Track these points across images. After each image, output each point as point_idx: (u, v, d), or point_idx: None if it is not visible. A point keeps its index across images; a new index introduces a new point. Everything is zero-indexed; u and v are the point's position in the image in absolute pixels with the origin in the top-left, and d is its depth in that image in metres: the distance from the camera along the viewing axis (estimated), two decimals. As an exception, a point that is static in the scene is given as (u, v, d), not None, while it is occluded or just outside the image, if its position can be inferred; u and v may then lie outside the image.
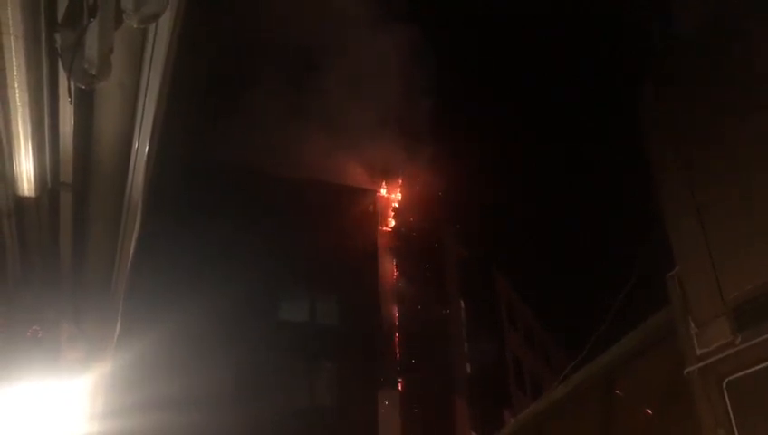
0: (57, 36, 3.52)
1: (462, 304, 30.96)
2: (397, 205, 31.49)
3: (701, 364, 5.39)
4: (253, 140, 27.16)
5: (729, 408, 5.07)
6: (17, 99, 3.79)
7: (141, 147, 4.34)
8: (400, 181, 32.34)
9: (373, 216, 29.40)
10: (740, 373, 5.04)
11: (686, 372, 5.55)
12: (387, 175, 32.01)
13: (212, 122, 26.97)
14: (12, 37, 3.42)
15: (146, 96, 4.00)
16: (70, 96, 3.77)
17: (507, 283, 35.41)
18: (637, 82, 6.74)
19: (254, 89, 30.46)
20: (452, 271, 30.84)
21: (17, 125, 3.98)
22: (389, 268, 29.28)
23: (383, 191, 31.58)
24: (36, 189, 4.61)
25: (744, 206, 5.29)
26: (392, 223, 30.88)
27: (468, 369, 29.76)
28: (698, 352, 5.45)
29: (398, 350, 27.64)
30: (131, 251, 5.37)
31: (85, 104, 4.09)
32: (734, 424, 5.01)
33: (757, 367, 4.88)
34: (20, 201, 4.78)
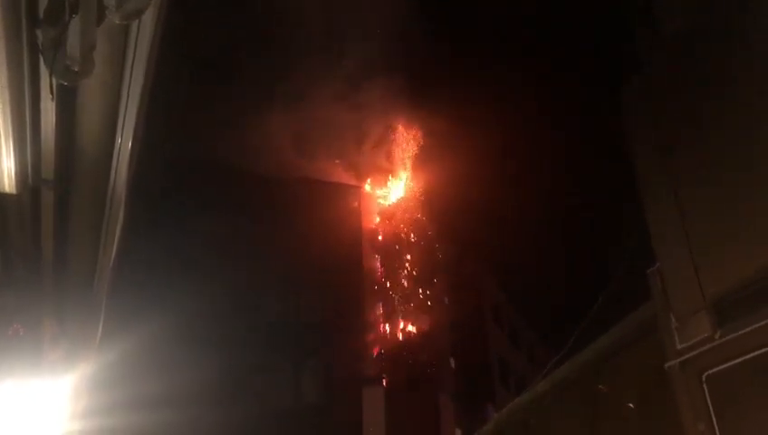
0: (38, 33, 3.48)
1: (446, 301, 31.07)
2: (382, 201, 31.52)
3: (681, 359, 5.47)
4: (237, 138, 27.02)
5: (709, 401, 5.16)
6: (-3, 95, 3.75)
7: (124, 144, 4.31)
8: (387, 178, 32.35)
9: (358, 212, 29.39)
10: (719, 367, 5.12)
11: (666, 366, 5.63)
12: (372, 172, 32.01)
13: (195, 120, 26.78)
14: (-9, 33, 3.38)
15: (129, 93, 3.97)
16: (51, 93, 3.73)
17: (492, 280, 35.58)
18: (620, 81, 6.81)
19: (238, 84, 30.30)
20: (438, 268, 30.91)
21: (-2, 122, 3.94)
22: (374, 265, 29.31)
23: (367, 188, 31.57)
24: (17, 186, 4.56)
25: (725, 203, 5.37)
26: (377, 220, 30.90)
27: (453, 365, 29.88)
28: (679, 346, 5.53)
29: (382, 347, 27.69)
30: (114, 249, 5.32)
31: (67, 101, 4.04)
32: (713, 417, 5.10)
33: (736, 361, 4.97)
34: (0, 198, 4.73)
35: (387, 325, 28.31)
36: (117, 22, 3.36)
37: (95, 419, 7.26)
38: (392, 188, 32.28)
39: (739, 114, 5.39)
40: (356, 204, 29.53)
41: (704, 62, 5.88)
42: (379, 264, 29.46)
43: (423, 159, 32.46)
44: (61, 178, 4.69)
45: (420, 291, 29.33)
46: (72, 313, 6.27)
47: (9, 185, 4.57)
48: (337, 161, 30.62)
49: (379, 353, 27.32)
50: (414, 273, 29.43)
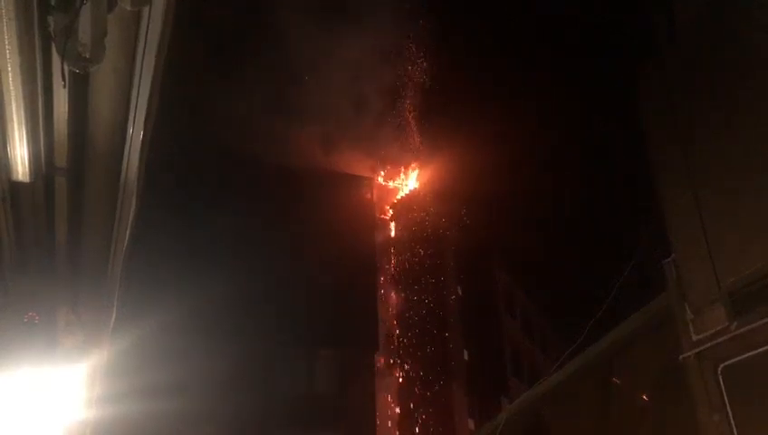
0: (50, 19, 3.48)
1: (459, 292, 31.03)
2: (395, 189, 31.48)
3: (697, 350, 5.42)
4: (250, 127, 27.01)
5: (724, 393, 5.11)
6: (10, 82, 3.75)
7: (137, 131, 4.30)
8: (401, 169, 32.29)
9: (371, 203, 29.38)
10: (735, 359, 5.07)
11: (681, 357, 5.58)
12: (386, 162, 31.95)
13: (207, 108, 26.78)
14: (4, 20, 3.37)
15: (140, 79, 3.96)
16: (63, 80, 3.73)
17: (505, 270, 35.46)
18: (636, 64, 6.74)
19: (249, 72, 30.22)
20: (450, 259, 30.86)
21: (11, 109, 3.94)
22: (387, 256, 29.33)
23: (381, 179, 31.54)
24: (31, 174, 4.57)
25: (742, 193, 5.30)
26: (390, 211, 30.87)
27: (466, 356, 29.87)
28: (694, 337, 5.48)
29: (396, 337, 27.74)
30: (127, 236, 5.33)
31: (79, 88, 4.04)
32: (728, 409, 5.05)
33: (752, 352, 4.91)
34: (14, 186, 4.75)
35: (399, 315, 28.33)
36: (128, 8, 3.35)
37: (110, 406, 7.31)
38: (406, 180, 32.21)
39: (757, 106, 5.30)
40: (369, 195, 29.50)
41: (720, 52, 5.79)
42: (392, 255, 29.46)
43: (436, 150, 32.35)
44: (74, 165, 4.70)
45: (433, 282, 29.28)
46: (87, 300, 6.30)
47: (23, 173, 4.59)
48: (352, 152, 30.55)
49: (393, 343, 27.37)
50: (426, 264, 29.36)
